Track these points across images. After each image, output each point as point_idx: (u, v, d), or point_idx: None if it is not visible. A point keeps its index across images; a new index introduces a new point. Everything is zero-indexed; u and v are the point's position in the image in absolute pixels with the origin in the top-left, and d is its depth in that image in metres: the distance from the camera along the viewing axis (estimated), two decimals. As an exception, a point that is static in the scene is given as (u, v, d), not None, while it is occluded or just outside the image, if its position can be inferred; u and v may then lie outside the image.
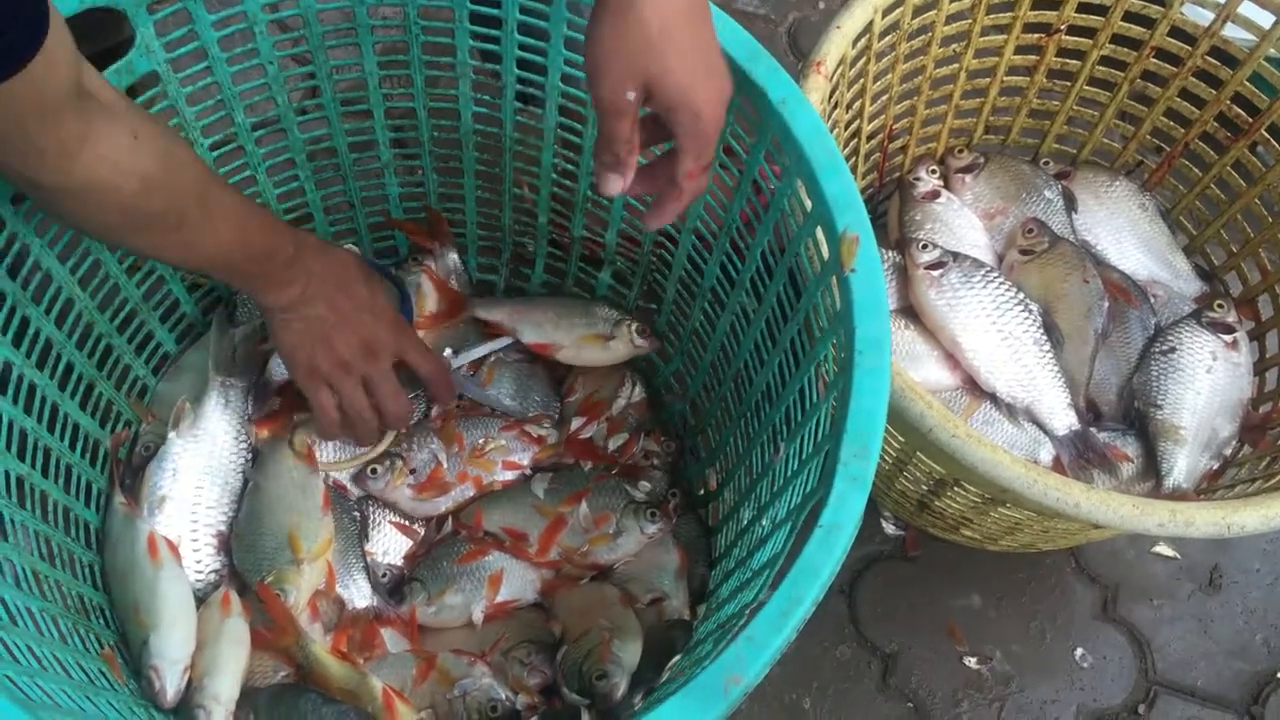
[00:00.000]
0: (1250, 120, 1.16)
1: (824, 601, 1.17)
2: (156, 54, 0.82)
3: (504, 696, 0.92)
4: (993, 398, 1.11)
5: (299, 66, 0.92)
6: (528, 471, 1.04)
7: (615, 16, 0.67)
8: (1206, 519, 0.81)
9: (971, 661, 1.19)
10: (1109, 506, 0.82)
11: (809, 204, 0.76)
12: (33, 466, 0.84)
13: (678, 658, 0.88)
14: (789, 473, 0.80)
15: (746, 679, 0.58)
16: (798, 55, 1.56)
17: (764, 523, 0.84)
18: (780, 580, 0.62)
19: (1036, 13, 1.17)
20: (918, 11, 1.10)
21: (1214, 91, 1.16)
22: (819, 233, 0.75)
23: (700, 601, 0.98)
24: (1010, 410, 1.10)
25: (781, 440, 0.85)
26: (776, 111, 0.75)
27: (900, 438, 1.03)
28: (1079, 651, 1.21)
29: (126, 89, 0.82)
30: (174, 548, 0.90)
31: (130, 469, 0.96)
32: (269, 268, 0.82)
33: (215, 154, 0.94)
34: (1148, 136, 1.26)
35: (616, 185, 0.74)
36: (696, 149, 0.72)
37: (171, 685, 0.83)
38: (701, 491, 1.08)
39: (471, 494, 1.02)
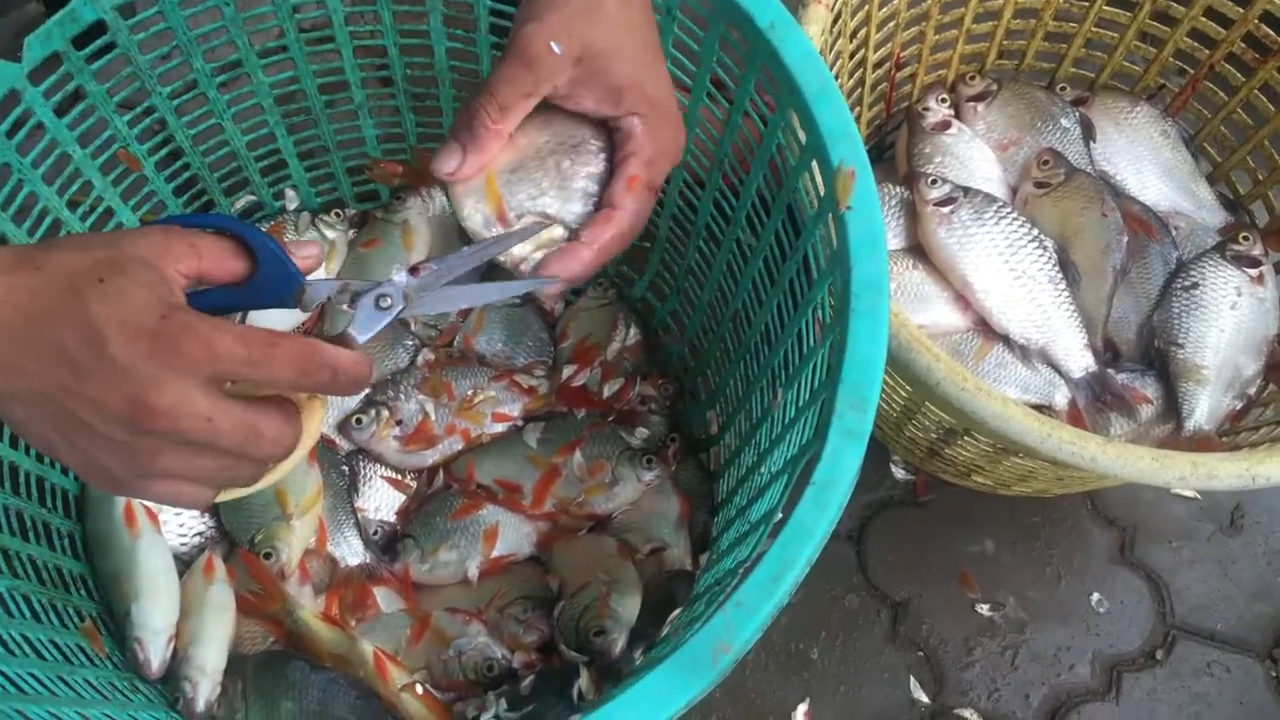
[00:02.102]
0: (1279, 40, 1.09)
1: (832, 549, 1.16)
2: (101, 1, 0.77)
3: (500, 655, 0.89)
4: (1005, 340, 1.06)
5: (259, 6, 0.87)
6: (519, 423, 1.01)
7: None
8: (1231, 471, 0.77)
9: (984, 609, 1.16)
10: (1126, 460, 0.78)
11: (803, 136, 0.71)
12: (-1, 439, 0.81)
13: (679, 610, 0.85)
14: (786, 420, 0.76)
15: (736, 647, 0.55)
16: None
17: (763, 471, 0.81)
18: (772, 540, 0.58)
19: (1051, -73, 1.10)
20: (924, -72, 1.04)
21: (1241, 10, 1.10)
22: (814, 167, 0.70)
23: (703, 550, 0.95)
24: (1024, 352, 1.06)
25: (780, 386, 0.81)
26: (765, 38, 0.70)
27: (908, 387, 0.99)
28: (1095, 596, 1.18)
29: (72, 39, 0.77)
30: (153, 515, 0.88)
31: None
32: None
33: (175, 102, 0.89)
34: (1170, 59, 1.20)
35: (452, 163, 0.60)
36: (650, 151, 0.61)
37: (156, 656, 0.81)
38: (703, 435, 1.04)
39: (460, 447, 0.99)
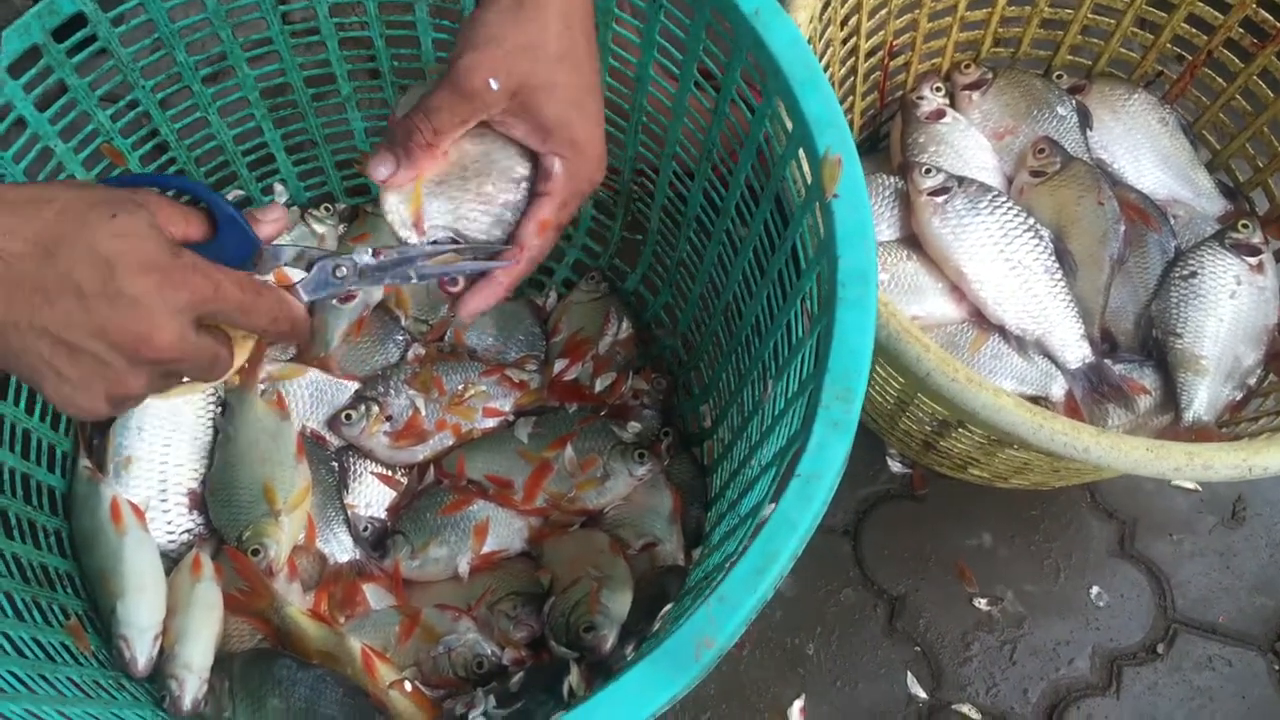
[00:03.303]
0: (1278, 25, 1.07)
1: (827, 544, 1.15)
2: (81, -8, 0.76)
3: (490, 652, 0.89)
4: (1001, 330, 1.05)
5: (242, -2, 0.87)
6: (510, 418, 1.00)
7: (512, 6, 0.59)
8: (1227, 461, 0.76)
9: (982, 603, 1.15)
10: (1121, 451, 0.76)
11: (790, 124, 0.70)
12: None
13: (670, 606, 0.84)
14: (776, 413, 0.75)
15: (719, 642, 0.54)
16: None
17: (753, 465, 0.80)
18: (756, 533, 0.57)
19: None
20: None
21: (1239, -7, 1.09)
22: (801, 155, 0.69)
23: (696, 545, 0.95)
24: (1020, 343, 1.04)
25: (770, 378, 0.80)
26: (750, 24, 0.69)
27: (900, 379, 0.98)
28: (1095, 590, 1.17)
29: (52, 32, 0.77)
30: (139, 512, 0.87)
31: (96, 428, 0.93)
32: None
33: (159, 96, 0.88)
34: (1168, 45, 1.18)
35: (385, 170, 0.63)
36: (564, 194, 0.64)
37: (142, 654, 0.81)
38: (696, 430, 1.03)
39: (451, 442, 0.99)
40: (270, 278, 0.64)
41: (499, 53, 0.59)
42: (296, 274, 0.65)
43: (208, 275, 0.55)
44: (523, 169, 0.67)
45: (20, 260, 0.50)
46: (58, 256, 0.51)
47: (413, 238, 0.67)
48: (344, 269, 0.65)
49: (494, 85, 0.60)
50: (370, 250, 0.66)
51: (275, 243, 0.65)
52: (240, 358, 0.63)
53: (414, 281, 0.68)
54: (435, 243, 0.68)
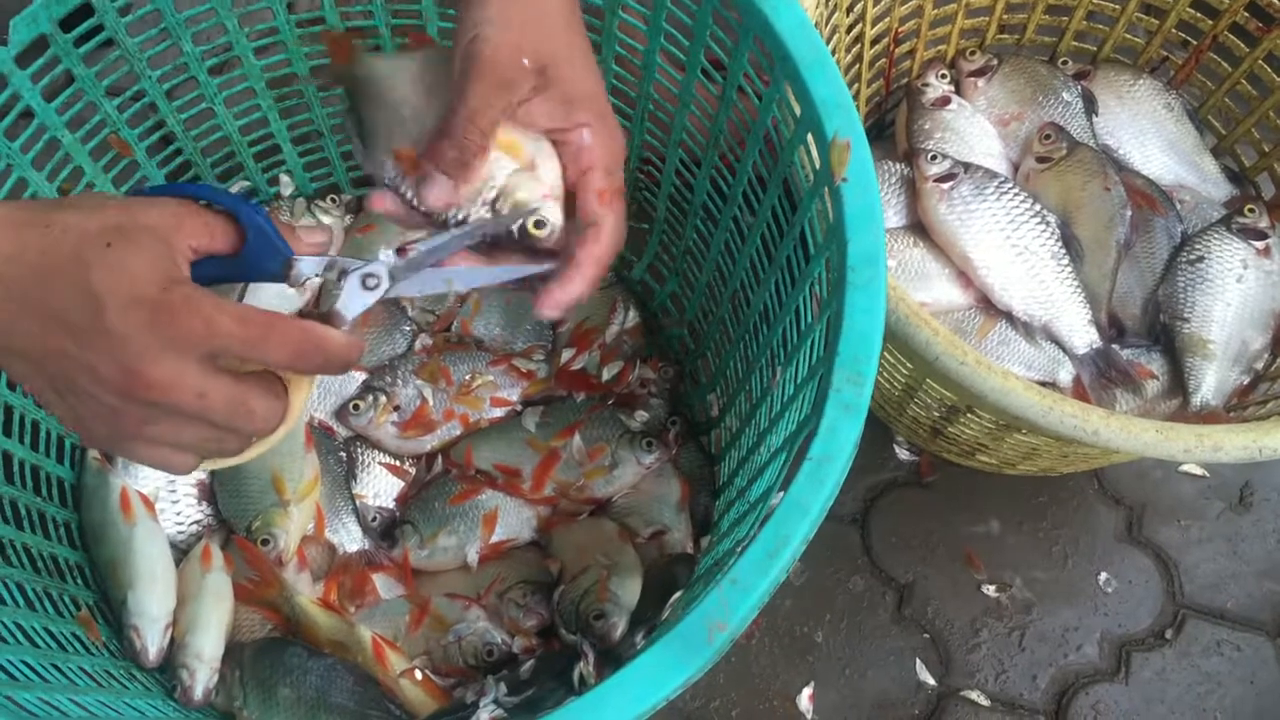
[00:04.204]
0: (1285, 7, 1.07)
1: (836, 531, 1.15)
2: (87, -19, 0.76)
3: (500, 640, 0.89)
4: (1008, 316, 1.05)
5: (249, -12, 0.87)
6: (518, 407, 1.00)
7: None
8: (1236, 443, 0.76)
9: (990, 589, 1.15)
10: (1130, 433, 0.76)
11: (798, 109, 0.70)
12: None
13: (679, 594, 0.84)
14: (785, 398, 0.75)
15: (731, 625, 0.54)
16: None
17: (762, 451, 0.80)
18: (768, 517, 0.57)
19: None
20: (921, -100, 1.02)
21: (1244, -23, 1.08)
22: (809, 139, 0.69)
23: (705, 533, 0.95)
24: (1027, 329, 1.04)
25: (778, 364, 0.80)
26: (757, 8, 0.68)
27: (909, 364, 0.98)
28: (1103, 576, 1.16)
29: (59, 21, 0.76)
30: (149, 502, 0.87)
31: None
32: None
33: (166, 86, 0.88)
34: (1173, 30, 1.18)
35: (446, 196, 0.57)
36: (606, 160, 0.59)
37: (153, 644, 0.81)
38: (704, 418, 1.03)
39: (459, 432, 0.99)
40: (299, 301, 0.59)
41: (515, 30, 0.55)
42: (329, 298, 0.59)
43: (199, 311, 0.49)
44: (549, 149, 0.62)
45: (19, 286, 0.49)
46: (51, 287, 0.49)
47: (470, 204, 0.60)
48: (375, 276, 0.59)
49: (526, 63, 0.56)
50: (394, 251, 0.59)
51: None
52: (298, 402, 0.57)
53: (455, 289, 0.61)
54: (460, 222, 0.60)
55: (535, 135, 0.61)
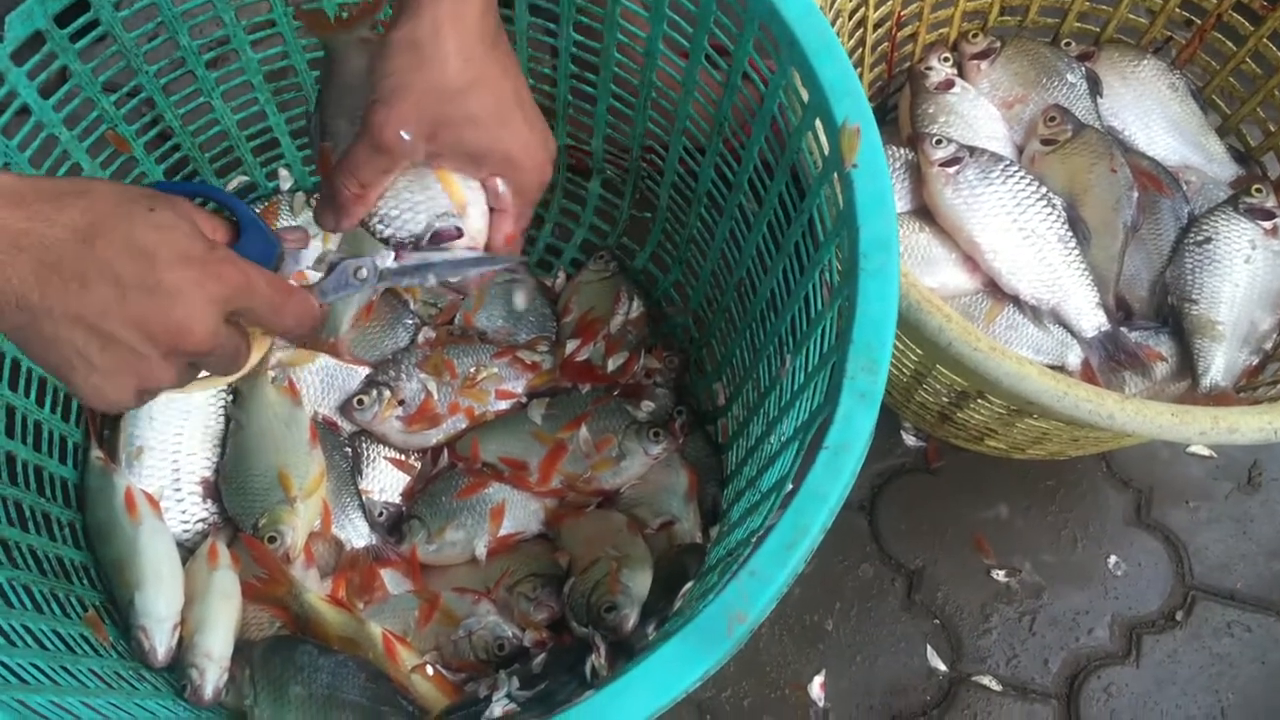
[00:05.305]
0: (1290, -16, 1.07)
1: (844, 519, 1.15)
2: (82, -25, 0.75)
3: (511, 634, 0.88)
4: (1016, 300, 1.04)
5: (244, -20, 0.86)
6: (523, 400, 0.99)
7: (410, 51, 0.59)
8: (1252, 424, 0.75)
9: (1000, 574, 1.15)
10: (1145, 416, 0.76)
11: (805, 94, 0.69)
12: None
13: (690, 584, 0.84)
14: (795, 387, 0.75)
15: (751, 616, 0.54)
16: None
17: (772, 440, 0.79)
18: (785, 507, 0.56)
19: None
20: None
21: (1249, -45, 1.07)
22: (818, 125, 0.68)
23: (713, 523, 0.94)
24: (1035, 313, 1.04)
25: (788, 352, 0.79)
26: (762, -9, 0.68)
27: (918, 350, 0.97)
28: (1112, 559, 1.16)
29: (55, 17, 0.75)
30: (154, 502, 0.87)
31: (106, 419, 0.92)
32: None
33: (163, 81, 0.87)
34: (1176, 9, 1.17)
35: (329, 223, 0.64)
36: (515, 208, 0.66)
37: (161, 644, 0.80)
38: (710, 408, 1.03)
39: (464, 425, 0.98)
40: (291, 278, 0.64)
41: (406, 103, 0.59)
42: (315, 275, 0.65)
43: (244, 270, 0.55)
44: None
45: (59, 246, 0.50)
46: (96, 245, 0.50)
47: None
48: (364, 270, 0.65)
49: (406, 136, 0.60)
50: (393, 254, 0.65)
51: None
52: (256, 354, 0.63)
53: (432, 283, 0.67)
54: (439, 239, 0.66)
55: (468, 179, 0.65)
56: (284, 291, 0.59)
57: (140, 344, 0.52)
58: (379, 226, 0.66)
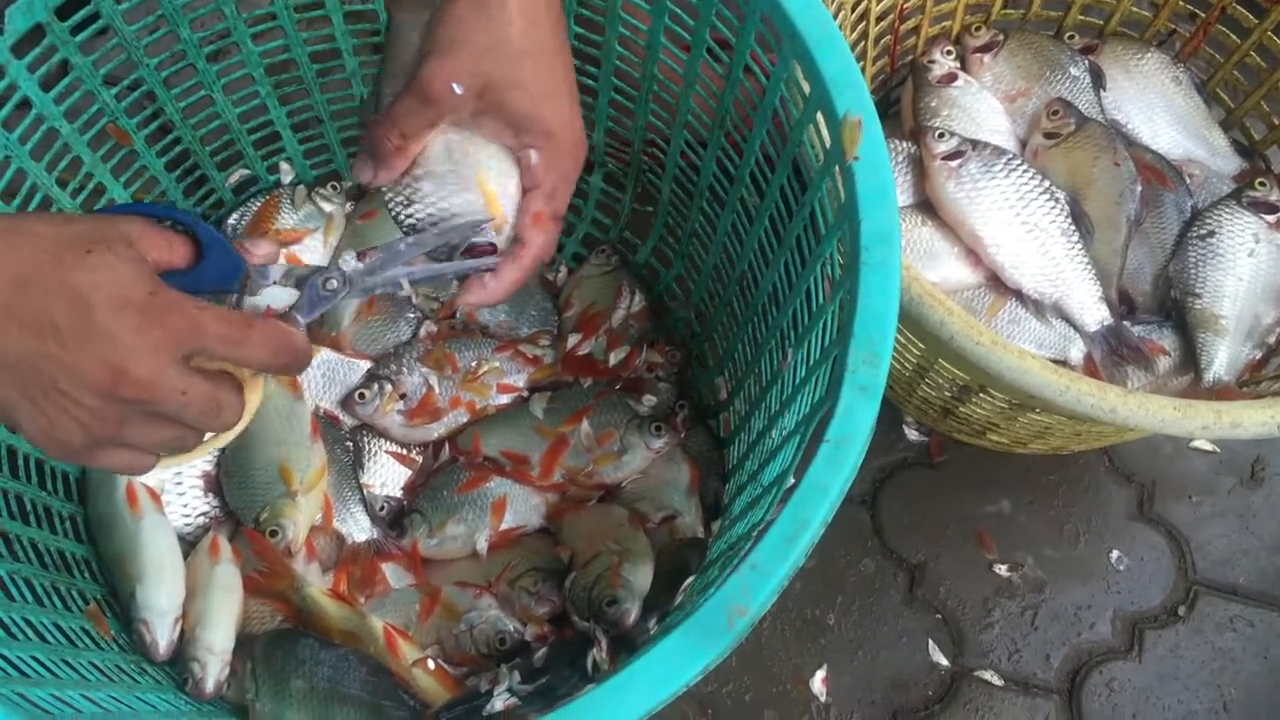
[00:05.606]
0: (1294, -23, 1.06)
1: (846, 514, 1.14)
2: (82, -33, 0.75)
3: (512, 628, 0.88)
4: (1018, 295, 1.04)
5: (245, -28, 0.85)
6: (524, 394, 0.99)
7: (475, 7, 0.58)
8: (1255, 419, 0.75)
9: (1002, 569, 1.15)
10: (1148, 410, 0.75)
11: (807, 87, 0.69)
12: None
13: (692, 579, 0.84)
14: (797, 381, 0.75)
15: (752, 610, 0.54)
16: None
17: (774, 434, 0.79)
18: (786, 500, 0.56)
19: None
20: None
21: (1253, -53, 1.07)
22: (819, 118, 0.68)
23: (715, 518, 0.94)
24: (1037, 307, 1.03)
25: (789, 346, 0.79)
26: (764, -17, 0.67)
27: (920, 345, 0.97)
28: (1115, 554, 1.16)
29: (55, 10, 0.75)
30: (155, 495, 0.87)
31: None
32: None
33: (164, 74, 0.87)
34: (1180, 2, 1.17)
35: (366, 175, 0.64)
36: (550, 183, 0.64)
37: (163, 638, 0.80)
38: (712, 402, 1.03)
39: (466, 420, 0.98)
40: (262, 308, 0.62)
41: (462, 56, 0.59)
42: (286, 295, 0.63)
43: (184, 312, 0.52)
44: (507, 158, 0.66)
45: None
46: (31, 291, 0.49)
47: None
48: (333, 281, 0.63)
49: (457, 90, 0.59)
50: (354, 255, 0.64)
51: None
52: (254, 398, 0.60)
53: (405, 292, 0.66)
54: (414, 229, 0.66)
55: (500, 149, 0.64)
56: (241, 324, 0.54)
57: (77, 391, 0.50)
58: (401, 208, 0.65)
